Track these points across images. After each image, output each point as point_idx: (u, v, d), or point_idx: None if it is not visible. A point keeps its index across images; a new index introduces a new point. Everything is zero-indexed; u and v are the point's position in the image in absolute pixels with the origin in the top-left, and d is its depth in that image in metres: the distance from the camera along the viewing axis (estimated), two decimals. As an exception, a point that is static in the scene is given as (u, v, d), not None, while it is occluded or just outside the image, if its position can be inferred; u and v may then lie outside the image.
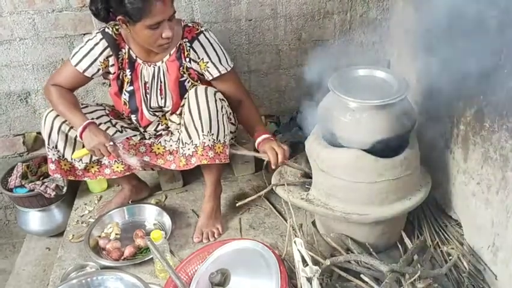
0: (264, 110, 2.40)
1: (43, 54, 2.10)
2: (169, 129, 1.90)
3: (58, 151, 1.80)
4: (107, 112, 1.90)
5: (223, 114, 1.72)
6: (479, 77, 1.46)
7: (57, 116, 1.75)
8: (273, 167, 1.73)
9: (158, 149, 1.85)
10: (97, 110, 1.87)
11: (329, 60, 1.76)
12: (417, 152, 1.63)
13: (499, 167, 1.46)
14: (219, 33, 2.16)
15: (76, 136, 1.73)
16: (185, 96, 1.78)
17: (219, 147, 1.73)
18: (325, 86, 1.62)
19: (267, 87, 2.38)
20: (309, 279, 1.36)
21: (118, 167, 1.88)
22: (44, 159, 2.21)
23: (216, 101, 1.70)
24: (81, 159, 1.83)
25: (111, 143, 1.66)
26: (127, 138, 1.84)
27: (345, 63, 1.75)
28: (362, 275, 1.51)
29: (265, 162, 1.79)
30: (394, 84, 1.58)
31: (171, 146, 1.84)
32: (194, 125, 1.71)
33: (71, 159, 1.83)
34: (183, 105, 1.79)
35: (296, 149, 2.07)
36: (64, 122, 1.75)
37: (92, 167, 1.88)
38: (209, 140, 1.71)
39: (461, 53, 1.46)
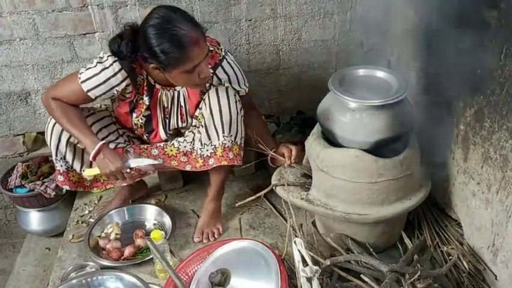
0: (264, 110, 2.39)
1: (43, 54, 2.10)
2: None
3: (67, 162, 1.78)
4: (114, 120, 1.86)
5: (241, 116, 1.71)
6: (479, 77, 1.46)
7: None
8: (288, 162, 1.82)
9: (171, 150, 1.81)
10: (104, 117, 1.82)
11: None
12: (417, 152, 1.63)
13: (499, 167, 1.46)
14: (219, 33, 2.16)
15: (85, 148, 1.69)
16: (204, 97, 1.73)
17: (235, 149, 1.72)
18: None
19: (267, 87, 2.38)
20: (309, 279, 1.36)
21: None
22: (44, 159, 2.22)
23: (236, 102, 1.69)
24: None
25: (127, 170, 1.64)
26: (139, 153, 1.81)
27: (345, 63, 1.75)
28: (362, 275, 1.51)
29: (269, 156, 1.86)
30: (394, 84, 1.58)
31: (185, 147, 1.80)
32: (214, 125, 1.68)
33: (80, 171, 1.80)
34: (201, 107, 1.76)
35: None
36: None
37: (101, 176, 1.84)
38: (229, 141, 1.69)
39: (461, 53, 1.46)
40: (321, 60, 2.35)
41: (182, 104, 1.76)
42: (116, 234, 1.91)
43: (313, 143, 1.68)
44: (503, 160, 1.43)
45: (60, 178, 1.81)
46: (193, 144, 1.78)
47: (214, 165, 1.73)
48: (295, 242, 1.47)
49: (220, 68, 1.70)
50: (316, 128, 1.73)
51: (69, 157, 1.76)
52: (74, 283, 1.54)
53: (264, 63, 2.32)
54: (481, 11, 1.41)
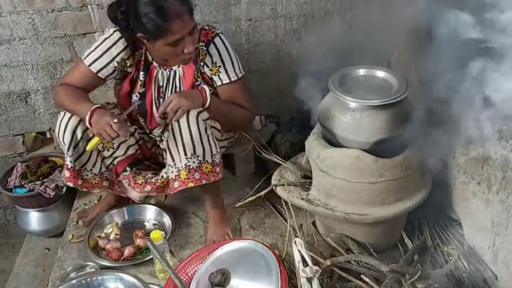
0: (264, 110, 2.39)
1: (43, 54, 2.10)
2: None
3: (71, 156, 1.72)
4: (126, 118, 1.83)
5: (207, 135, 1.65)
6: (480, 77, 1.46)
7: (78, 125, 1.66)
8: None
9: (162, 182, 1.78)
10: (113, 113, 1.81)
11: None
12: (417, 152, 1.63)
13: (499, 167, 1.46)
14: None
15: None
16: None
17: (206, 167, 1.67)
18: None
19: (267, 87, 2.38)
20: (309, 280, 1.36)
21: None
22: (44, 159, 2.21)
23: (197, 123, 1.62)
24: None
25: (115, 120, 1.54)
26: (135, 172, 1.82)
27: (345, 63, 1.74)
28: (362, 275, 1.51)
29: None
30: (394, 84, 1.58)
31: (172, 172, 1.75)
32: (177, 148, 1.66)
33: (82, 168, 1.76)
34: (167, 130, 1.72)
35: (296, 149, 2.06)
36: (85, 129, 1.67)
37: (94, 179, 1.81)
38: (193, 162, 1.65)
39: (461, 53, 1.46)
40: (321, 60, 2.35)
41: (178, 84, 1.75)
42: (116, 234, 1.91)
43: (313, 143, 1.68)
44: (504, 160, 1.43)
45: (66, 174, 1.77)
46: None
47: (179, 189, 1.70)
48: (295, 242, 1.47)
49: (212, 44, 1.71)
50: (317, 128, 1.73)
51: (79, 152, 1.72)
52: (73, 283, 1.53)
53: (264, 63, 2.31)
54: (481, 10, 1.41)
